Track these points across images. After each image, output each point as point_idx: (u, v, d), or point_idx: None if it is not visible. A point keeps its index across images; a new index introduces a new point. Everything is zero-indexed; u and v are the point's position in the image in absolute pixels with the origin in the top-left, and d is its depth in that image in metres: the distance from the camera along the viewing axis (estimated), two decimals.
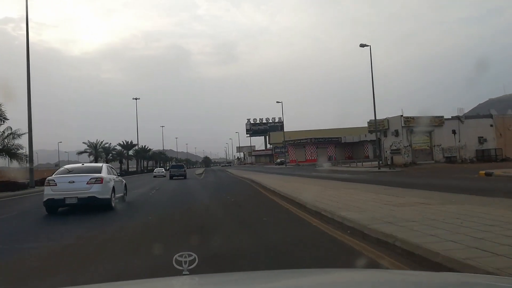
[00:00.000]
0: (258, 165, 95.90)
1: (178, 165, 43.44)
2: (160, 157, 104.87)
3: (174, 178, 36.53)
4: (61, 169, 13.23)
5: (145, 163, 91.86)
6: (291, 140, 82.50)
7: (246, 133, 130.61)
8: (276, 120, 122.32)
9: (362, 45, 34.10)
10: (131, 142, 75.92)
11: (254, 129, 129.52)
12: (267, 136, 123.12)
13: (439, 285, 1.90)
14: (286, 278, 2.25)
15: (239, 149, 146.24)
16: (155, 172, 51.00)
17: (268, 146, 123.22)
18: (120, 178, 14.95)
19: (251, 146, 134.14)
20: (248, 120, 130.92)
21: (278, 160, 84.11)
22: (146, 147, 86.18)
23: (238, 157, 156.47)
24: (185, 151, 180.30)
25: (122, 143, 75.64)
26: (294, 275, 2.43)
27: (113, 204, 12.59)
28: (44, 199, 11.63)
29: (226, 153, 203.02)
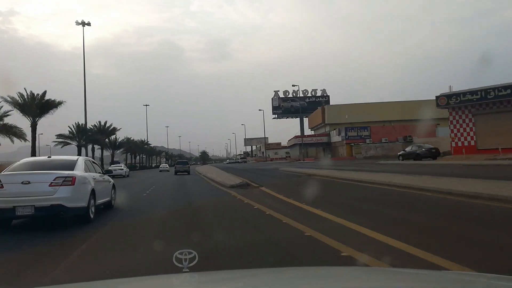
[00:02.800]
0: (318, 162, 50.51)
1: (183, 162, 45.34)
2: (152, 151, 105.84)
3: (178, 173, 38.49)
4: (16, 163, 9.11)
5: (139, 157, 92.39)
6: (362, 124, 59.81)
7: (273, 113, 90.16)
8: (319, 94, 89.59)
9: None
10: (108, 126, 60.91)
11: (286, 106, 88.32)
12: (303, 118, 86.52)
13: (439, 284, 1.89)
14: (286, 276, 2.25)
15: (247, 141, 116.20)
16: (160, 167, 64.07)
17: (309, 131, 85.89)
18: (106, 177, 11.02)
19: (265, 137, 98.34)
20: (276, 93, 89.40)
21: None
22: (129, 139, 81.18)
23: (245, 152, 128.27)
24: (178, 147, 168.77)
25: (96, 125, 59.61)
26: (295, 272, 2.44)
27: (91, 215, 8.68)
28: None
29: (226, 149, 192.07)
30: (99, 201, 9.56)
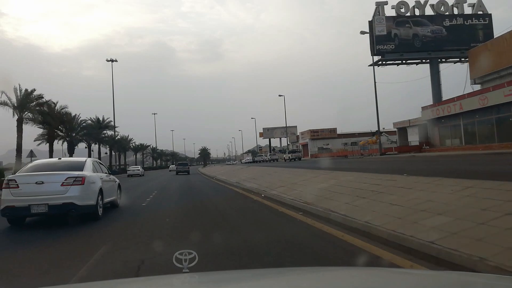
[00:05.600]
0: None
1: (183, 163, 51.85)
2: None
3: (179, 173, 44.22)
4: (29, 165, 9.77)
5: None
6: None
7: (376, 51, 43.15)
8: (468, 11, 43.43)
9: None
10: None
11: (404, 35, 43.57)
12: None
13: (439, 284, 1.87)
14: (286, 276, 2.25)
15: (268, 132, 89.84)
16: (170, 168, 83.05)
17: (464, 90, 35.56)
18: (112, 177, 11.62)
19: (286, 126, 75.91)
20: (380, 7, 43.60)
21: None
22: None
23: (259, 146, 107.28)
24: (174, 147, 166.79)
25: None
26: (295, 273, 2.41)
27: (100, 213, 9.29)
28: (1, 207, 8.29)
29: (228, 149, 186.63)
30: (106, 200, 10.16)
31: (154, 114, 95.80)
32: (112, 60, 55.62)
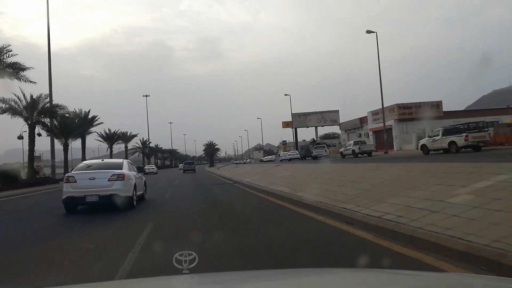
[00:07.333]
0: None
1: (189, 162, 58.95)
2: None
3: (186, 172, 49.27)
4: (80, 164, 12.44)
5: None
6: None
7: None
8: None
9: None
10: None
11: None
12: None
13: (439, 285, 1.89)
14: (287, 278, 2.24)
15: (300, 119, 67.29)
16: (179, 167, 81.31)
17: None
18: (139, 174, 14.18)
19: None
20: None
21: None
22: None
23: (282, 142, 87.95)
24: (175, 145, 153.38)
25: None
26: (296, 274, 2.41)
27: (134, 203, 11.84)
28: (64, 197, 10.86)
29: (234, 148, 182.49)
30: (138, 193, 12.71)
31: (146, 96, 77.84)
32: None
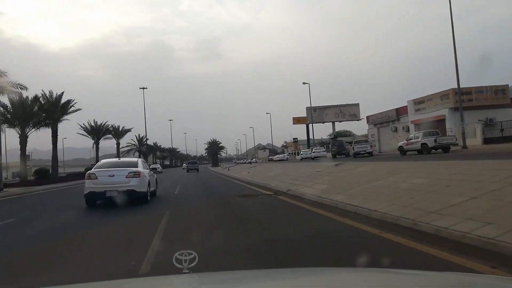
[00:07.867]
0: None
1: (193, 162, 61.06)
2: None
3: (189, 171, 52.13)
4: (100, 163, 13.67)
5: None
6: None
7: None
8: None
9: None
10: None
11: None
12: None
13: (439, 285, 1.89)
14: (287, 277, 2.24)
15: (315, 114, 59.62)
16: (183, 166, 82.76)
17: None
18: (151, 172, 15.34)
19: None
20: None
21: None
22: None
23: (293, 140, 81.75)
24: (175, 145, 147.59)
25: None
26: (296, 274, 2.38)
27: (148, 198, 12.98)
28: (85, 192, 12.06)
29: (236, 147, 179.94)
30: (151, 189, 13.87)
31: (143, 88, 63.28)
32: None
